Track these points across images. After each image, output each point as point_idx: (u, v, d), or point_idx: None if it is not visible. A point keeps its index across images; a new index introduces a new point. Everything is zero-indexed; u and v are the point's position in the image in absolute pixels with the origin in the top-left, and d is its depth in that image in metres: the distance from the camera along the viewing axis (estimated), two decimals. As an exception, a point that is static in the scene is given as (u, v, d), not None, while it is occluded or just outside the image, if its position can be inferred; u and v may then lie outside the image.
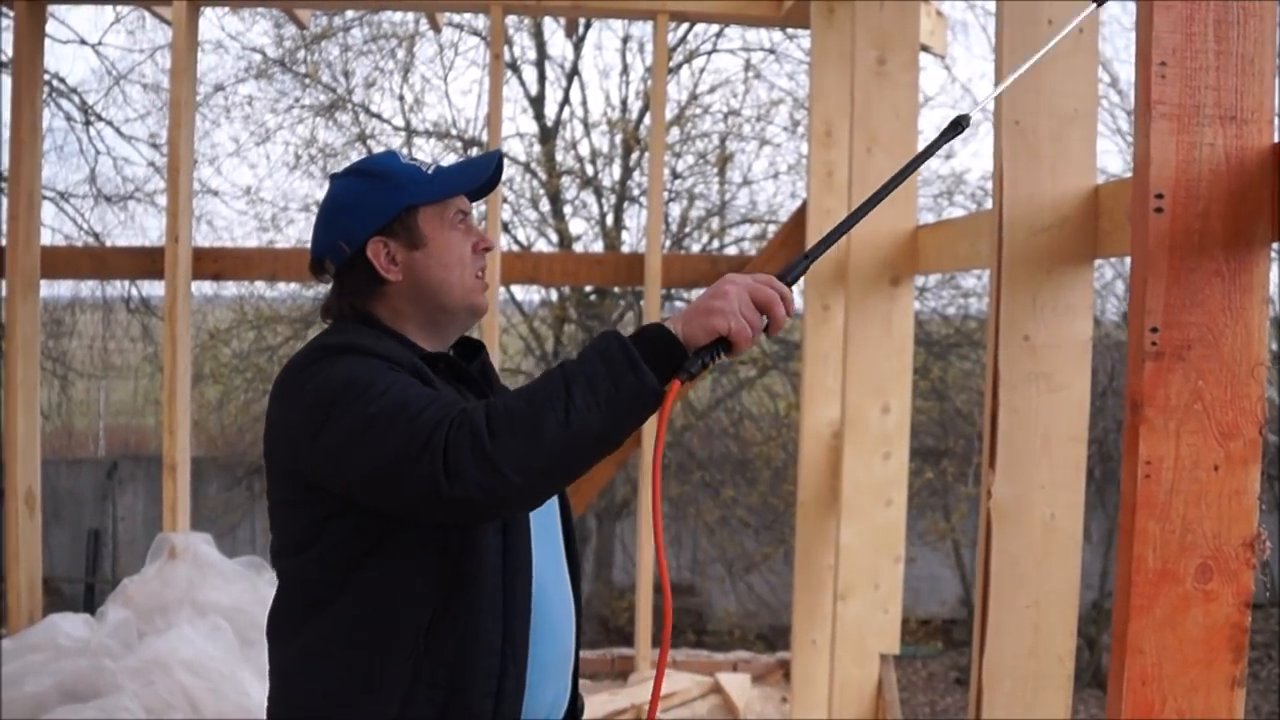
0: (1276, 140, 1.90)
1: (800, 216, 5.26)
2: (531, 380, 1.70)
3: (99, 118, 12.29)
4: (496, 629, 1.82)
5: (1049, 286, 2.67)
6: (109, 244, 12.41)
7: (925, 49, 4.78)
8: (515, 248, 12.40)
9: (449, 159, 1.95)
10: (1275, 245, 1.98)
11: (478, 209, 12.19)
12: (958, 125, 1.85)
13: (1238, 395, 1.96)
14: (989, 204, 3.16)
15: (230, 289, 13.37)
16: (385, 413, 1.70)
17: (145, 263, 5.63)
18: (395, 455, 1.67)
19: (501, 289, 12.63)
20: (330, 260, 1.98)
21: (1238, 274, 1.92)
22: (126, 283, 13.17)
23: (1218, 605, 2.02)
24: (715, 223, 13.53)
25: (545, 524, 1.98)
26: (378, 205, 1.96)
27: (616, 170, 13.38)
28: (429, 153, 13.42)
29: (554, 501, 2.04)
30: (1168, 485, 1.96)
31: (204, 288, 12.54)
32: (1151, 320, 1.92)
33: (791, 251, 5.49)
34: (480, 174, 2.04)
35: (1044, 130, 2.64)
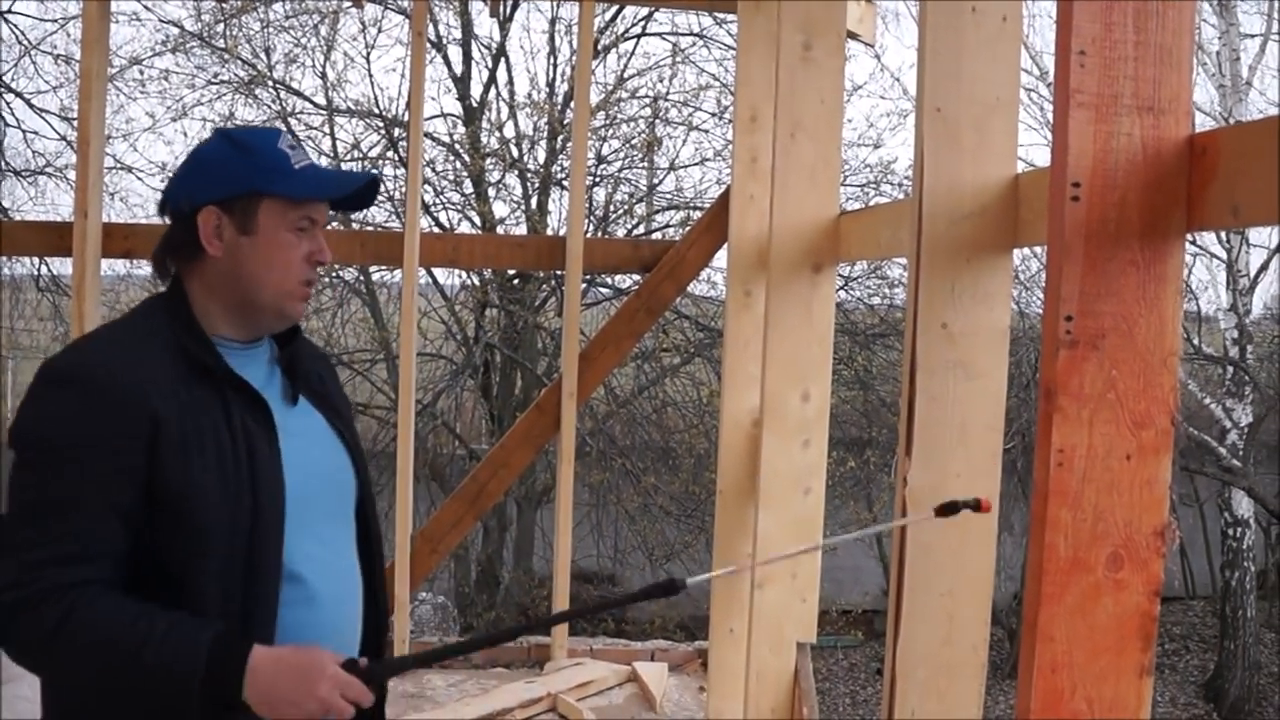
0: (1193, 132, 1.90)
1: (724, 202, 5.24)
2: (127, 627, 1.82)
3: (8, 89, 12.01)
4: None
5: (968, 274, 2.66)
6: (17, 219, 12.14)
7: (854, 36, 4.77)
8: (437, 230, 12.27)
9: (326, 162, 1.96)
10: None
11: (398, 189, 12.03)
12: (670, 587, 2.01)
13: (1151, 385, 1.96)
14: (911, 192, 3.15)
15: (144, 268, 13.12)
16: (27, 525, 1.84)
17: (53, 239, 5.49)
18: None
19: (422, 272, 12.56)
20: (170, 210, 1.98)
21: (1153, 264, 1.92)
22: (35, 260, 12.90)
23: (1128, 594, 2.02)
24: (641, 208, 13.50)
25: (330, 514, 2.09)
26: (227, 177, 1.93)
27: (542, 154, 13.31)
28: (351, 133, 13.27)
29: (347, 489, 2.15)
30: (1080, 474, 1.95)
31: (116, 266, 12.32)
32: (1066, 309, 1.91)
33: (716, 238, 5.47)
34: (345, 188, 2.03)
35: (965, 118, 2.63)
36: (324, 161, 13.17)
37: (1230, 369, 14.15)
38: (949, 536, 2.74)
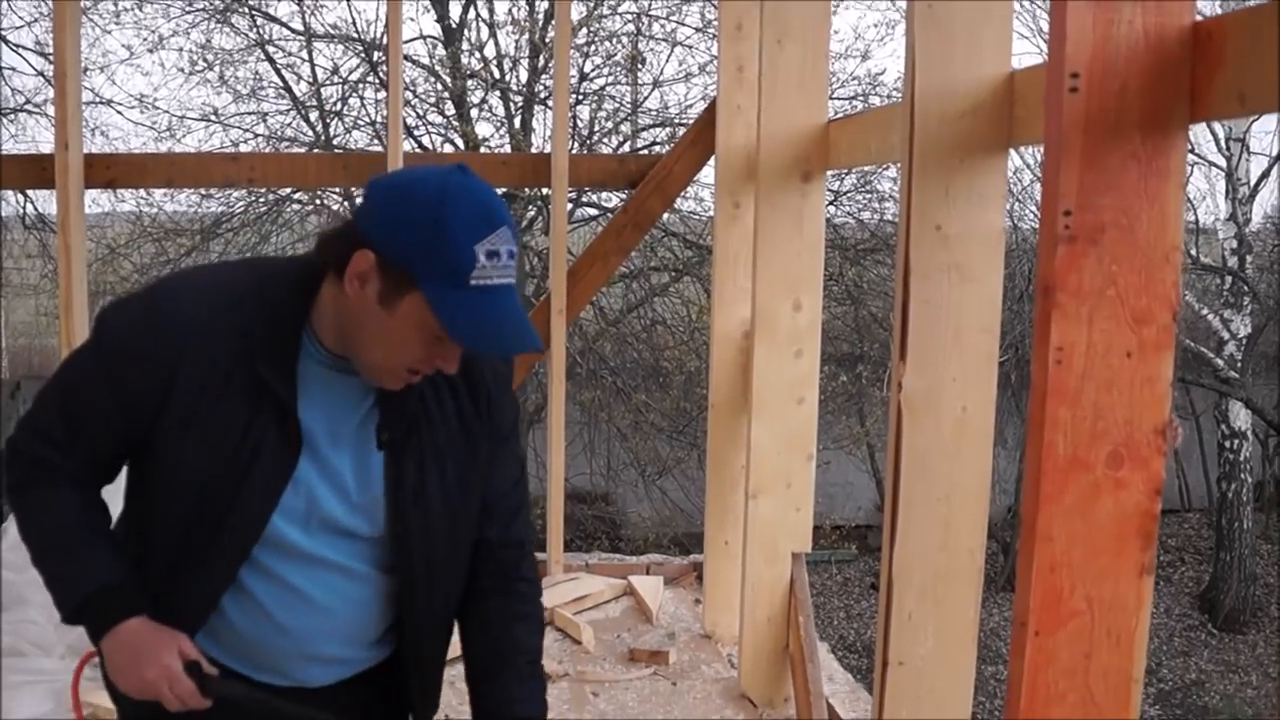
0: (1197, 19, 1.85)
1: (710, 114, 5.17)
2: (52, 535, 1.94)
3: (-17, 27, 11.83)
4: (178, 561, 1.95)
5: (962, 176, 2.62)
6: (-2, 153, 12.01)
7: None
8: (419, 152, 12.15)
9: (488, 248, 1.62)
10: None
11: (379, 113, 11.83)
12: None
13: (1152, 281, 1.93)
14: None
15: (128, 203, 13.02)
16: (49, 390, 1.94)
17: (34, 171, 5.39)
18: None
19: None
20: (359, 209, 1.80)
21: (1154, 157, 1.88)
22: (20, 199, 12.79)
23: (1128, 493, 2.01)
24: (626, 127, 13.37)
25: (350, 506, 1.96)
26: (405, 240, 1.71)
27: (524, 73, 13.15)
28: (329, 58, 13.07)
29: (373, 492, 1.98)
30: (1079, 372, 1.93)
31: (101, 202, 12.20)
32: (1064, 204, 1.88)
33: (703, 150, 5.40)
34: (495, 345, 1.79)
35: (958, 14, 2.57)
36: (302, 90, 13.02)
37: (1229, 279, 14.10)
38: (944, 441, 2.73)
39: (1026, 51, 13.92)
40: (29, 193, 13.05)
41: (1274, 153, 14.48)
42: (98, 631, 1.90)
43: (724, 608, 4.93)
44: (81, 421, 1.90)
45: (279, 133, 12.97)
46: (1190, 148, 14.25)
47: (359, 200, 1.92)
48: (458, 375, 1.89)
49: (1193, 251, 14.51)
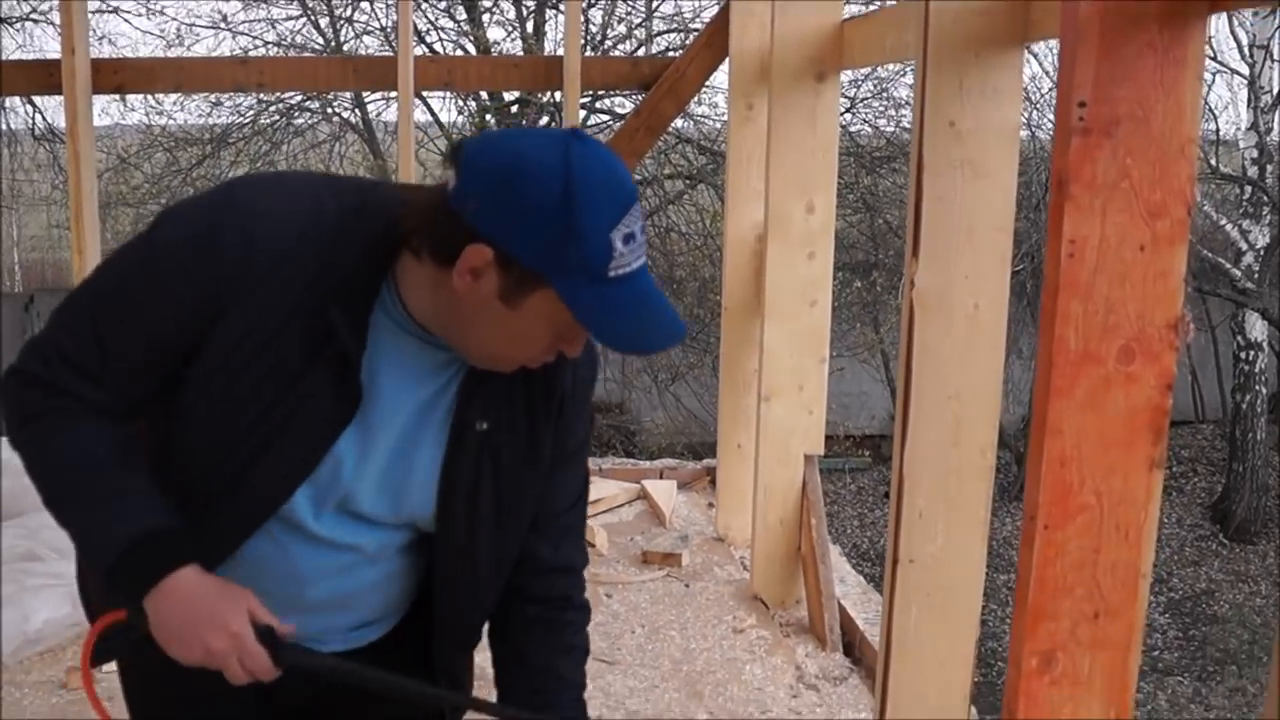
0: (1216, -97, 1.81)
1: (724, 15, 5.10)
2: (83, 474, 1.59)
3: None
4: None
5: (976, 70, 2.59)
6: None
7: None
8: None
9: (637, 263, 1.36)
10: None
11: (389, 16, 11.73)
12: None
13: (1167, 174, 1.91)
14: None
15: (137, 112, 12.96)
16: (74, 308, 1.62)
17: (41, 77, 5.35)
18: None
19: (418, 104, 12.37)
20: (455, 187, 1.47)
21: (1171, 47, 1.86)
22: (29, 109, 12.74)
23: (1139, 387, 2.01)
24: (640, 32, 13.23)
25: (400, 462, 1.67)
26: (529, 238, 1.44)
27: (538, -24, 12.99)
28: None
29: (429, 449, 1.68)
30: (1092, 265, 1.92)
31: (110, 111, 12.14)
32: (1079, 95, 1.86)
33: (717, 53, 5.34)
34: (643, 343, 1.53)
35: (974, -94, 2.54)
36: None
37: (1248, 190, 13.96)
38: (956, 339, 2.73)
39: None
40: (38, 104, 13.01)
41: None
42: (141, 587, 1.55)
43: (737, 511, 4.97)
44: (120, 342, 1.57)
45: (288, 39, 12.87)
46: (1212, 55, 14.07)
47: (453, 175, 1.49)
48: (537, 371, 1.63)
49: (1212, 161, 14.35)
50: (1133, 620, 2.10)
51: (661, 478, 5.75)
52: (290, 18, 12.91)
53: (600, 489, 5.45)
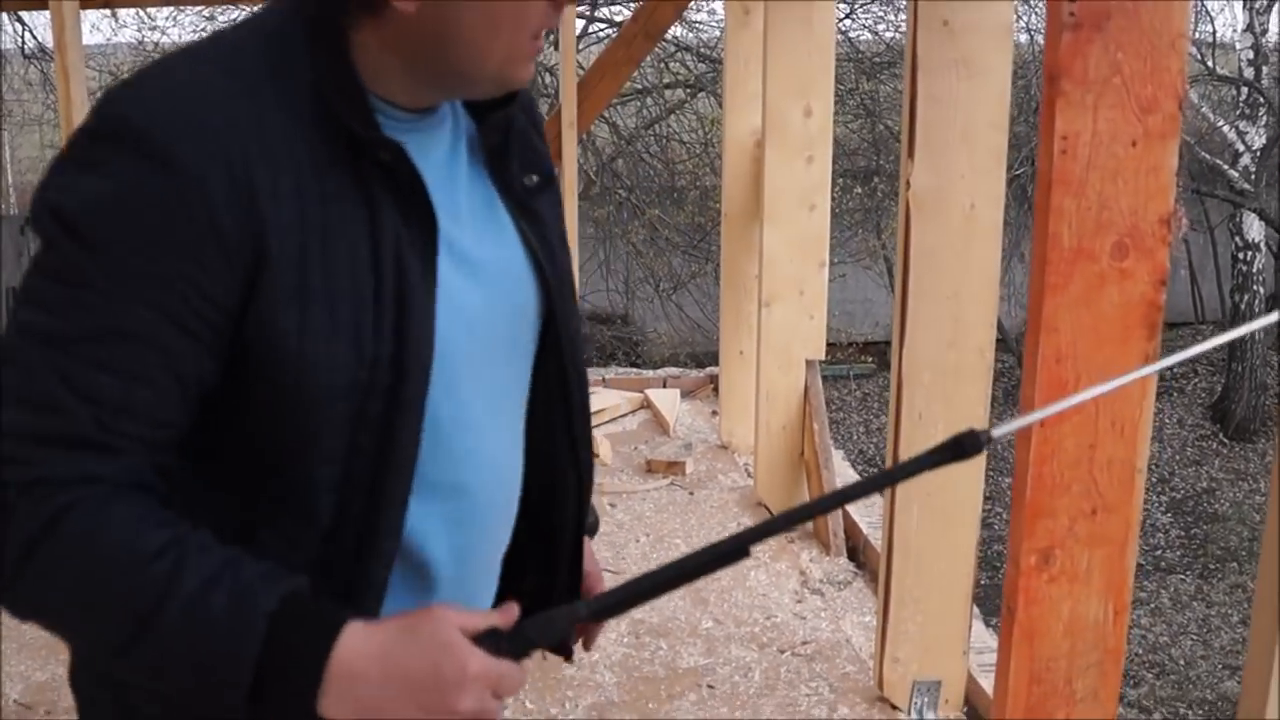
0: None
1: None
2: (143, 533, 1.06)
3: None
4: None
5: (971, -33, 2.57)
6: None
7: None
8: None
9: None
10: None
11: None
12: (960, 447, 1.12)
13: (1158, 68, 1.91)
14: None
15: (129, 28, 12.84)
16: (41, 351, 1.06)
17: (31, -11, 5.32)
18: None
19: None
20: None
21: (1162, -63, 1.85)
22: (18, 27, 12.62)
23: (1133, 283, 2.01)
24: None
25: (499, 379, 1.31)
26: None
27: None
28: None
29: (525, 345, 1.35)
30: (1084, 161, 1.92)
31: (102, 28, 12.00)
32: (1071, -12, 1.85)
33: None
34: None
35: None
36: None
37: (1245, 90, 13.85)
38: (953, 238, 2.73)
39: None
40: (27, 21, 12.88)
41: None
42: (303, 682, 1.06)
43: (740, 418, 5.00)
44: (122, 382, 1.06)
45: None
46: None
47: None
48: (525, 117, 1.34)
49: (1209, 63, 14.21)
50: (1129, 516, 2.12)
51: (665, 386, 5.79)
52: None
53: (603, 399, 5.49)
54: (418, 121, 1.25)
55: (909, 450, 2.89)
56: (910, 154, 2.65)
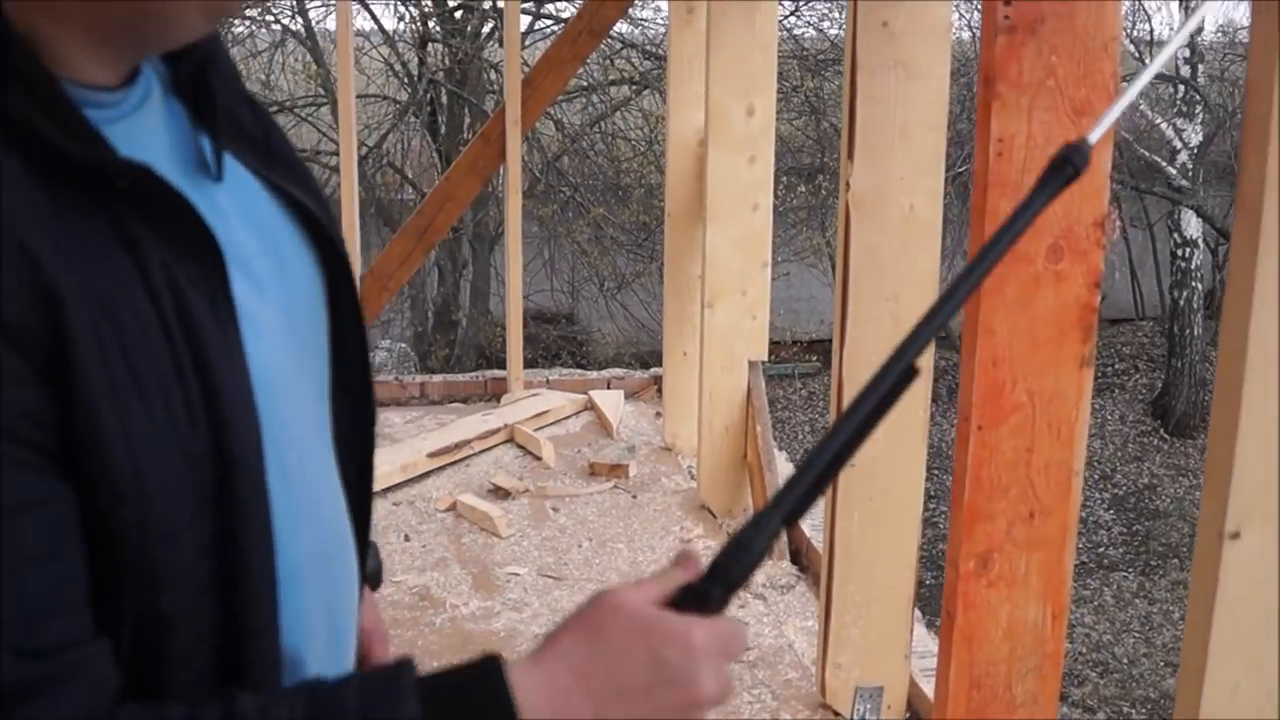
0: None
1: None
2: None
3: None
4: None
5: (909, -31, 2.57)
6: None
7: None
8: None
9: None
10: None
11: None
12: (1064, 165, 0.96)
13: (1091, 71, 1.92)
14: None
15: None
16: None
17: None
18: None
19: (360, 13, 12.16)
20: None
21: (1095, -60, 1.85)
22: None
23: (1068, 285, 2.02)
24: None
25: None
26: None
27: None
28: None
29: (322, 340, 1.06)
30: (1020, 163, 1.93)
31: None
32: (1006, -9, 1.85)
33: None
34: None
35: None
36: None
37: (1181, 88, 14.03)
38: (892, 239, 2.73)
39: None
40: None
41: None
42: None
43: (684, 419, 4.99)
44: (47, 531, 0.79)
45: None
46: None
47: None
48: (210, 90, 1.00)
49: (1147, 61, 14.38)
50: (1066, 519, 2.13)
51: (609, 388, 5.76)
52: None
53: (547, 400, 5.46)
54: (124, 100, 0.92)
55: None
56: (850, 155, 2.64)
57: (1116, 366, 15.27)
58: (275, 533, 0.92)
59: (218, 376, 0.87)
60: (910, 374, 0.93)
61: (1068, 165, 0.95)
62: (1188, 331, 14.03)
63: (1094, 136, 0.96)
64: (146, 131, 0.93)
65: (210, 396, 0.86)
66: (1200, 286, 14.26)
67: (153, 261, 0.85)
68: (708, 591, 0.87)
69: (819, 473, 0.89)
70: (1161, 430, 14.02)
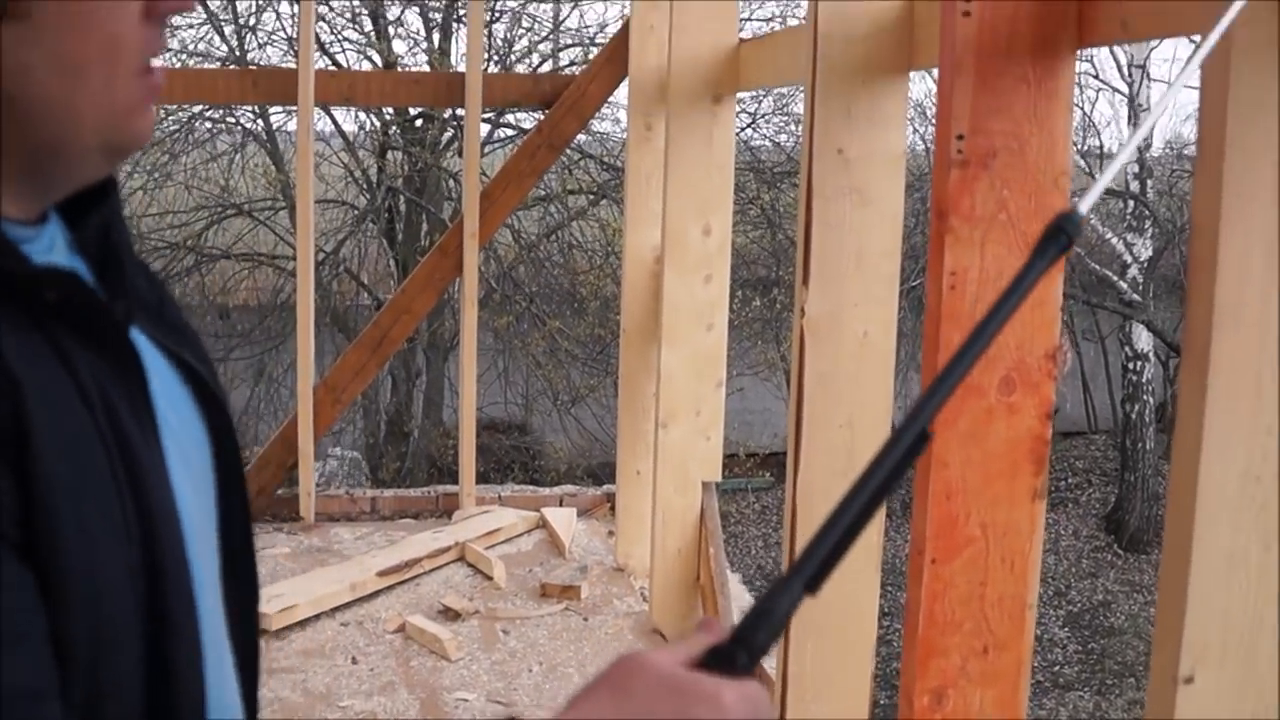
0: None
1: (625, 34, 5.09)
2: None
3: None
4: None
5: (864, 98, 2.59)
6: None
7: None
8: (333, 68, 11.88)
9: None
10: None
11: (292, 26, 11.72)
12: (1058, 235, 0.94)
13: (1042, 205, 1.93)
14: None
15: None
16: None
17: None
18: None
19: (322, 116, 12.23)
20: None
21: (1043, 80, 1.88)
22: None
23: (1020, 417, 2.01)
24: (544, 46, 13.21)
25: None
26: None
27: (442, -11, 12.92)
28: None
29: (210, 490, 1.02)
30: (972, 297, 1.93)
31: None
32: (958, 127, 1.87)
33: (617, 70, 5.32)
34: None
35: (860, -65, 2.54)
36: (216, 3, 12.70)
37: (1131, 203, 14.31)
38: (846, 365, 2.72)
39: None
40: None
41: (1173, 79, 14.69)
42: None
43: (636, 539, 4.93)
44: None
45: (190, 47, 12.65)
46: (1095, 74, 14.51)
47: None
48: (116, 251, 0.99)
49: (1097, 176, 14.69)
50: (1021, 653, 2.10)
51: (561, 505, 5.70)
52: (193, 25, 12.69)
53: (499, 518, 5.38)
54: (39, 237, 0.91)
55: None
56: (805, 281, 2.64)
57: (1070, 481, 15.34)
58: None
59: (149, 491, 0.87)
60: (925, 438, 0.91)
61: (1061, 235, 0.94)
62: (1140, 445, 14.12)
63: (1084, 207, 0.96)
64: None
65: (142, 510, 0.86)
66: (1152, 400, 14.40)
67: (85, 374, 0.85)
68: (734, 654, 0.85)
69: (837, 539, 0.88)
70: (1115, 545, 14.05)
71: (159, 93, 0.94)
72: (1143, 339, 14.18)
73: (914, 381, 12.75)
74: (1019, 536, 2.08)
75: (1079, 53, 1.96)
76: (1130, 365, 14.37)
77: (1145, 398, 14.25)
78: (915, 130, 13.44)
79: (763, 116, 13.66)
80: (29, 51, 0.83)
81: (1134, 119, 14.05)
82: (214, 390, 1.03)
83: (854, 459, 2.80)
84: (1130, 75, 14.20)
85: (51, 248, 0.92)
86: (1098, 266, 14.00)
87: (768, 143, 13.85)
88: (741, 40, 4.03)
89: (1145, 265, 14.10)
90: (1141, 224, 14.27)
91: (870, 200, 2.61)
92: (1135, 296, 13.77)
